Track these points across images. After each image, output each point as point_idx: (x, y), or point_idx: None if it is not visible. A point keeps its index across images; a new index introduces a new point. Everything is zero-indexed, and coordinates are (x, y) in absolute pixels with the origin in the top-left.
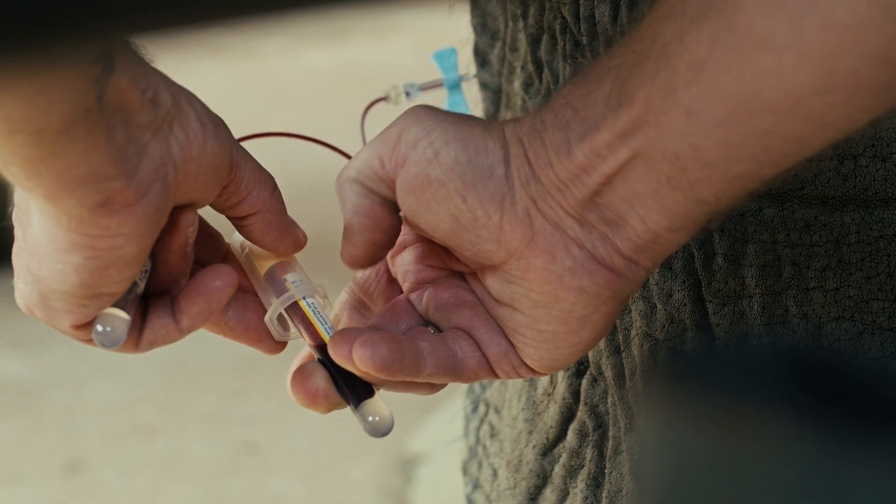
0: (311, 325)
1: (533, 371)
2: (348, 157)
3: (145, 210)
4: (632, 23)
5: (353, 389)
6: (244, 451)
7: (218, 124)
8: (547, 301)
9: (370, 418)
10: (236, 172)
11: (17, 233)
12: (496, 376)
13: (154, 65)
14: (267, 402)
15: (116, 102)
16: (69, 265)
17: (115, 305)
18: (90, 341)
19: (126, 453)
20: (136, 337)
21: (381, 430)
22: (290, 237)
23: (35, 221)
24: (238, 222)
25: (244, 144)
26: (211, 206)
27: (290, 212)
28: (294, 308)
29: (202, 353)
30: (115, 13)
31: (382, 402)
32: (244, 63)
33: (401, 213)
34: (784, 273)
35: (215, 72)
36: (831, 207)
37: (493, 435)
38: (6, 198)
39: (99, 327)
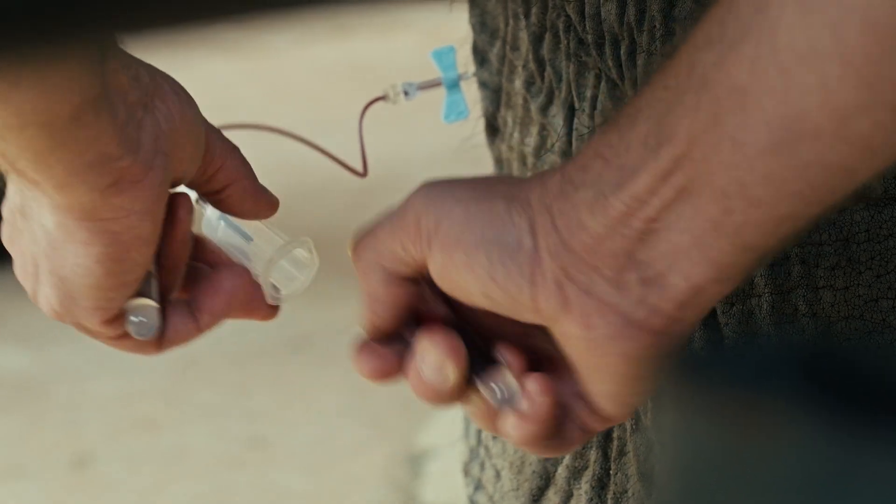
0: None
1: (610, 419)
2: (341, 162)
3: (153, 183)
4: (663, 58)
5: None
6: (249, 446)
7: (187, 94)
8: (593, 365)
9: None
10: (209, 142)
11: (22, 239)
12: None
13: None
14: (272, 396)
15: (113, 84)
16: (91, 257)
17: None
18: (119, 338)
19: (130, 448)
20: (158, 337)
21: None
22: (265, 201)
23: (46, 220)
24: (215, 196)
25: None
26: (187, 184)
27: (296, 209)
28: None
29: (206, 347)
30: (120, 9)
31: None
32: (249, 58)
33: None
34: (793, 272)
35: (221, 67)
36: (840, 206)
37: (495, 436)
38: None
39: (133, 318)
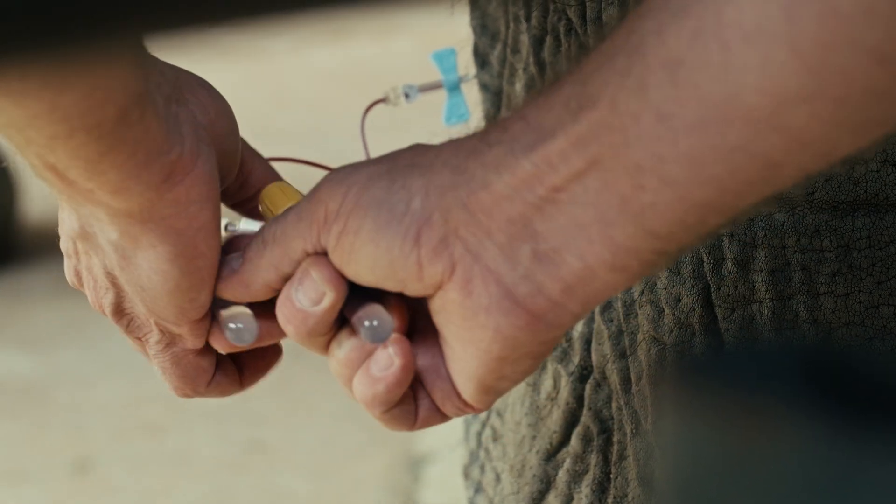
0: None
1: (468, 405)
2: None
3: (204, 171)
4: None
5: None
6: (251, 449)
7: (213, 88)
8: (464, 338)
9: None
10: (237, 141)
11: (91, 264)
12: (446, 417)
13: None
14: (274, 400)
15: (151, 81)
16: (162, 259)
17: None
18: (211, 341)
19: (133, 451)
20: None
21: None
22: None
23: (110, 233)
24: (248, 204)
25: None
26: (224, 190)
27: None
28: None
29: None
30: (120, 15)
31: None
32: (249, 63)
33: None
34: (794, 278)
35: (219, 71)
36: (841, 212)
37: (495, 439)
38: (13, 196)
39: (231, 325)
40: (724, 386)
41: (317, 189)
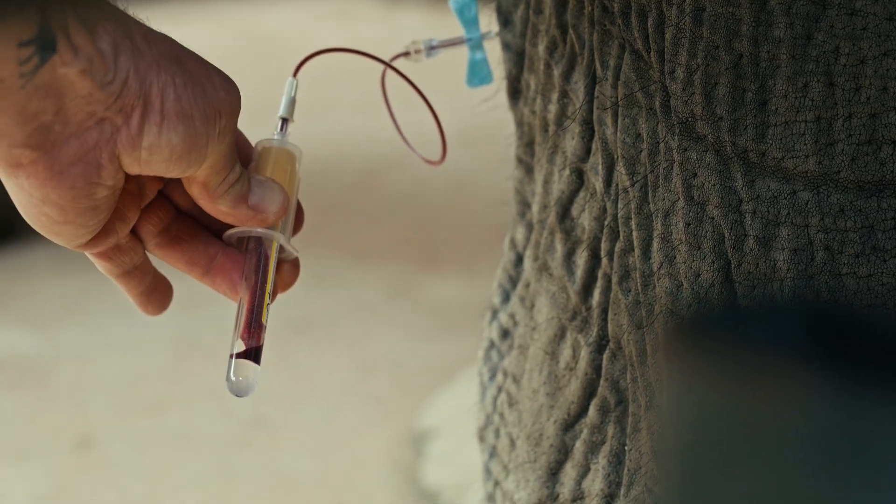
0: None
1: None
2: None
3: (59, 185)
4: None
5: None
6: (254, 427)
7: (188, 117)
8: None
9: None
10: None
11: None
12: None
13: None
14: (277, 377)
15: (54, 86)
16: (21, 199)
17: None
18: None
19: (136, 429)
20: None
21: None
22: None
23: None
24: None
25: None
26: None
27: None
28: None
29: (212, 328)
30: None
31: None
32: (250, 35)
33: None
34: (816, 258)
35: (224, 46)
36: (867, 193)
37: (511, 404)
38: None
39: (232, 377)
40: (733, 345)
41: None
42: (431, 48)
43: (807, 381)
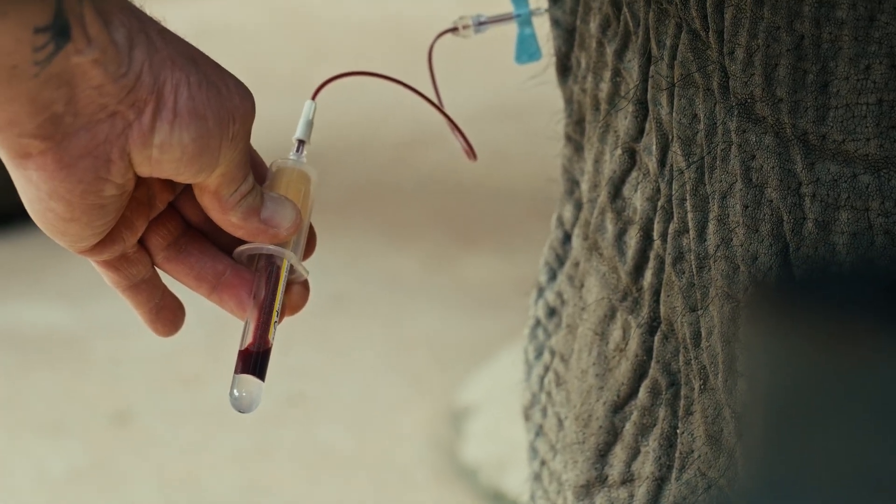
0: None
1: None
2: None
3: (68, 178)
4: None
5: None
6: (291, 402)
7: (201, 117)
8: None
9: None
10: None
11: None
12: None
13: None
14: (314, 352)
15: (67, 76)
16: (29, 193)
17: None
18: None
19: (172, 403)
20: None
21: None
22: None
23: None
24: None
25: None
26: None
27: (336, 165)
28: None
29: None
30: None
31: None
32: (285, 14)
33: None
34: (876, 241)
35: (258, 24)
36: None
37: (558, 384)
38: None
39: (235, 392)
40: (821, 303)
41: None
42: (480, 24)
43: (885, 338)
